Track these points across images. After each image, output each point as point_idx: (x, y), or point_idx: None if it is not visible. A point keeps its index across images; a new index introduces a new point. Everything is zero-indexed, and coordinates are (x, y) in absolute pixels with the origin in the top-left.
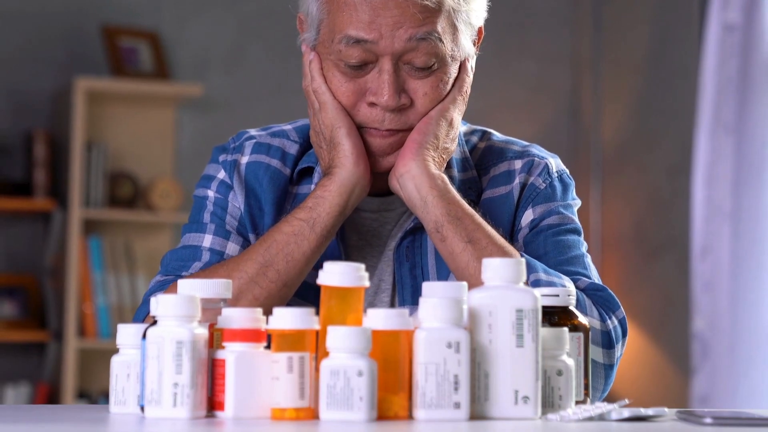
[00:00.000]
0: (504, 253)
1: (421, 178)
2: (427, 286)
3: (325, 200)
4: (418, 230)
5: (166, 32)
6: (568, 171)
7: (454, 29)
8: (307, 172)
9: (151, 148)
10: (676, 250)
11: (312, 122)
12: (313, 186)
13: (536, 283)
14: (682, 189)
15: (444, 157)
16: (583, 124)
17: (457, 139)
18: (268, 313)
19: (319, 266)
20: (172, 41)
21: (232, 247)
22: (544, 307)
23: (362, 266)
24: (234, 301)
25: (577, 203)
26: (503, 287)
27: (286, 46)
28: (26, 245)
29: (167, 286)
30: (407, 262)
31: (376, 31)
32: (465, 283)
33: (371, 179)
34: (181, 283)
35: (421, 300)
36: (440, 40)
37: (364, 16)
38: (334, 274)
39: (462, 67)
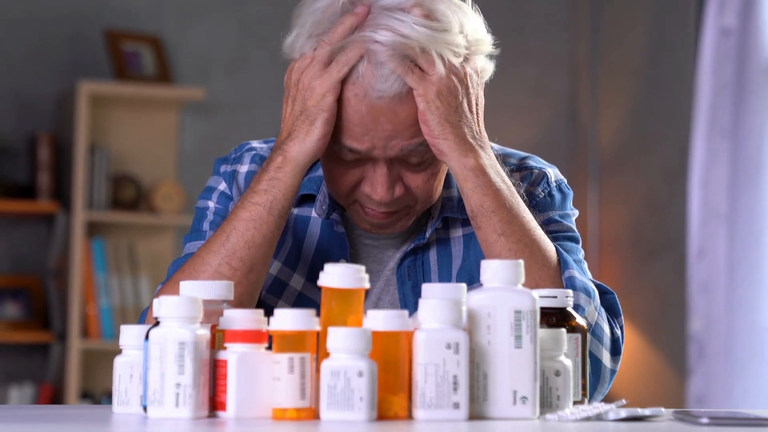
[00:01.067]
0: (537, 247)
1: (456, 167)
2: (426, 288)
3: (281, 182)
4: (419, 250)
5: (169, 36)
6: (566, 181)
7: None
8: (309, 198)
9: (154, 151)
10: (672, 252)
11: (295, 68)
12: (313, 213)
13: (571, 281)
14: (678, 192)
15: (478, 116)
16: (581, 127)
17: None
18: (239, 300)
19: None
20: (175, 45)
21: None
22: (542, 309)
23: (362, 268)
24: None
25: (575, 213)
26: (502, 289)
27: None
28: (30, 247)
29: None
30: (409, 280)
31: (369, 142)
32: (464, 285)
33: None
34: (183, 284)
35: (421, 301)
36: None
37: (357, 130)
38: (334, 276)
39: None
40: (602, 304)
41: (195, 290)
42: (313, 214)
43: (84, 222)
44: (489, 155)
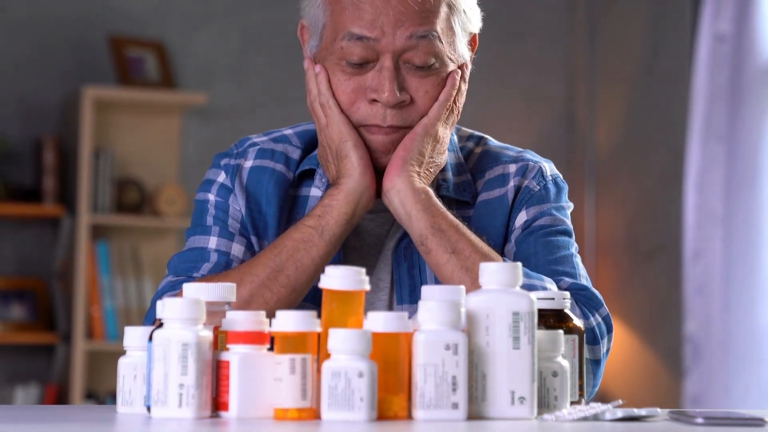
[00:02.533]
0: (485, 260)
1: (406, 193)
2: (426, 290)
3: (333, 209)
4: None
5: (172, 42)
6: (561, 175)
7: (451, 31)
8: (308, 174)
9: (157, 155)
10: (668, 255)
11: (319, 137)
12: (313, 188)
13: None
14: (674, 195)
15: (431, 170)
16: (578, 132)
17: (445, 153)
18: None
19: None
20: (178, 51)
21: (236, 248)
22: (540, 310)
23: (363, 270)
24: (245, 305)
25: (570, 206)
26: (500, 291)
27: (289, 55)
28: (36, 250)
29: (179, 287)
30: (405, 262)
31: (378, 29)
32: (463, 287)
33: (376, 192)
34: (186, 286)
35: (420, 303)
36: (439, 39)
37: (366, 15)
38: (335, 278)
39: (450, 77)
40: (579, 300)
41: (198, 292)
42: (313, 192)
43: (88, 225)
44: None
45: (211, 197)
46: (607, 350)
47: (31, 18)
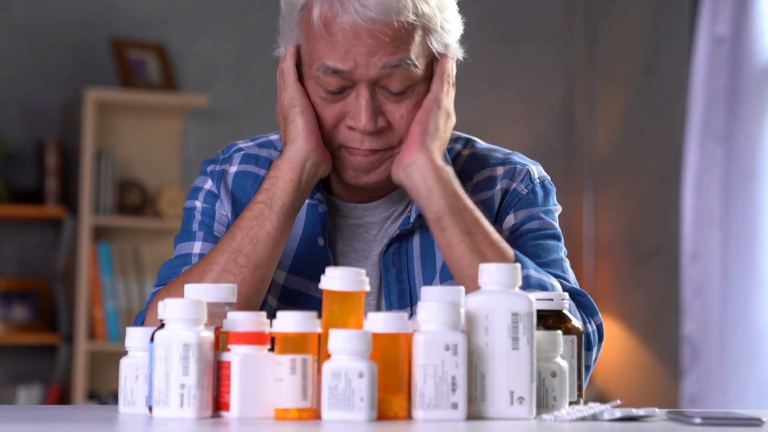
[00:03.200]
0: (498, 249)
1: (428, 169)
2: (425, 291)
3: (279, 179)
4: (404, 237)
5: (173, 45)
6: (549, 178)
7: (428, 51)
8: None
9: (159, 157)
10: (666, 256)
11: (276, 105)
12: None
13: (526, 280)
14: (672, 196)
15: (443, 145)
16: (577, 133)
17: (452, 128)
18: (246, 299)
19: (303, 273)
20: (179, 53)
21: None
22: (539, 311)
23: (363, 271)
24: None
25: (558, 209)
26: (499, 291)
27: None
28: (38, 251)
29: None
30: (393, 267)
31: (351, 60)
32: (462, 288)
33: (326, 155)
34: (187, 287)
35: (420, 304)
36: (414, 65)
37: (339, 47)
38: (335, 279)
39: (444, 60)
40: (578, 305)
41: (199, 293)
42: None
43: (90, 226)
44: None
45: (198, 204)
46: (596, 358)
47: (34, 21)
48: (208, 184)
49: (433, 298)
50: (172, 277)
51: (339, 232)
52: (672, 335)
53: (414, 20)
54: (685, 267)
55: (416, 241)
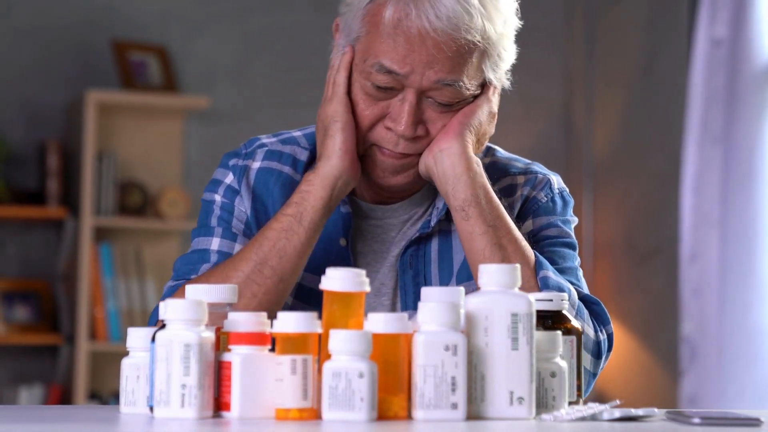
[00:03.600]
0: (519, 247)
1: (460, 157)
2: (425, 291)
3: (310, 194)
4: (422, 240)
5: (174, 46)
6: (568, 189)
7: (480, 73)
8: None
9: (160, 158)
10: (665, 257)
11: (319, 110)
12: None
13: (545, 281)
14: (671, 197)
15: (481, 143)
16: (576, 135)
17: (492, 130)
18: (267, 308)
19: (322, 271)
20: (180, 55)
21: (239, 249)
22: (539, 311)
23: (363, 272)
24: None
25: (575, 221)
26: (499, 292)
27: (290, 59)
28: (40, 252)
29: (176, 290)
30: (411, 269)
31: (409, 65)
32: (462, 288)
33: (358, 173)
34: (188, 288)
35: (420, 304)
36: (465, 87)
37: (400, 50)
38: (336, 280)
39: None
40: (590, 314)
41: (200, 294)
42: None
43: (92, 227)
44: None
45: (218, 198)
46: (603, 367)
47: (36, 23)
48: (229, 179)
49: (432, 299)
50: (189, 272)
51: (358, 232)
52: (671, 335)
53: (478, 41)
54: (684, 267)
55: (434, 244)
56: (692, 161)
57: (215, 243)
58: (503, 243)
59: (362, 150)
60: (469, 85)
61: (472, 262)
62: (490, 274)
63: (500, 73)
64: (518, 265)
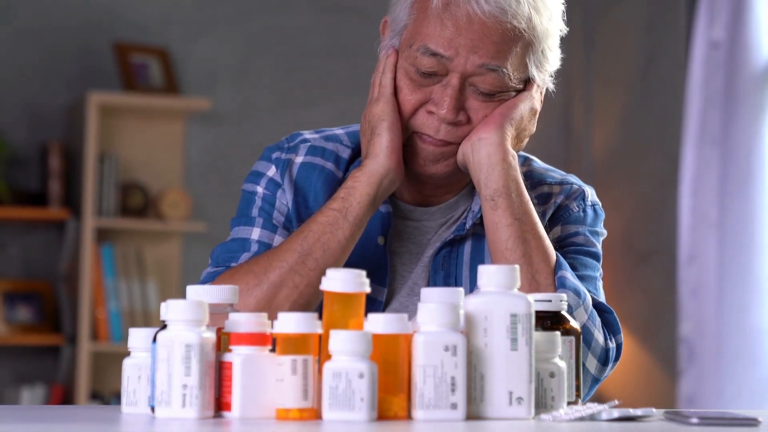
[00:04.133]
0: (542, 244)
1: (498, 148)
2: (425, 292)
3: (356, 190)
4: (456, 242)
5: (176, 49)
6: (600, 204)
7: (524, 67)
8: None
9: (161, 159)
10: (663, 257)
11: (365, 111)
12: None
13: (561, 281)
14: (669, 199)
15: (520, 138)
16: (574, 137)
17: (534, 128)
18: (307, 300)
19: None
20: (181, 57)
21: (279, 240)
22: (538, 312)
23: (363, 273)
24: (276, 289)
25: (604, 234)
26: (498, 293)
27: (290, 61)
28: (42, 253)
29: (217, 276)
30: (442, 270)
31: (454, 48)
32: (461, 289)
33: (403, 173)
34: (189, 289)
35: (420, 305)
36: (509, 76)
37: (446, 32)
38: (336, 281)
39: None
40: (602, 321)
41: (201, 294)
42: None
43: (94, 228)
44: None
45: (260, 189)
46: (608, 374)
47: (38, 26)
48: (271, 171)
49: (432, 300)
50: (229, 260)
51: (396, 232)
52: (669, 336)
53: (524, 29)
54: (682, 268)
55: (467, 247)
56: (690, 162)
57: (256, 233)
58: (527, 237)
59: (404, 140)
60: (513, 76)
61: (495, 251)
62: (489, 274)
63: (544, 72)
64: (517, 266)
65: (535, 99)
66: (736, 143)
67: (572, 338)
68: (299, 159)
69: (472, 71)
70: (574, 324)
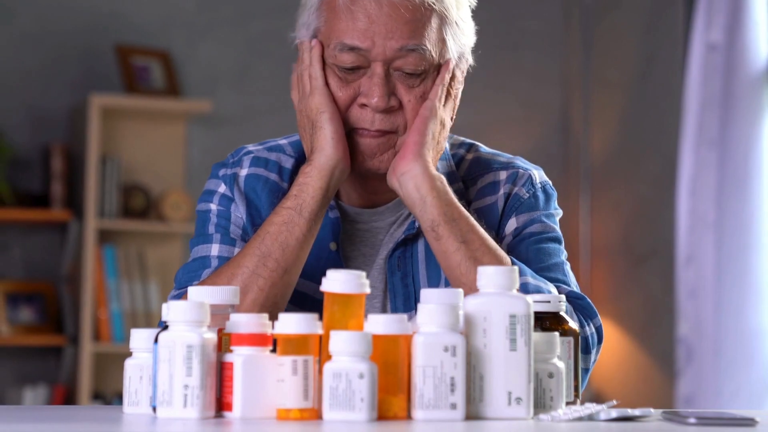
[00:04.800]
0: (495, 256)
1: (422, 178)
2: (424, 293)
3: (308, 185)
4: (409, 241)
5: (177, 51)
6: (550, 182)
7: (442, 42)
8: None
9: (163, 161)
10: (661, 259)
11: (299, 107)
12: None
13: (524, 287)
14: (667, 200)
15: (437, 155)
16: (573, 139)
17: (447, 138)
18: (274, 301)
19: (314, 276)
20: (183, 60)
21: None
22: (536, 313)
23: (363, 274)
24: (242, 295)
25: (559, 213)
26: (497, 294)
27: (290, 64)
28: (44, 254)
29: (180, 298)
30: (399, 271)
31: (369, 39)
32: (461, 290)
33: (349, 161)
34: (191, 290)
35: (420, 306)
36: (429, 52)
37: (359, 24)
38: (336, 282)
39: (444, 67)
40: (576, 308)
41: (203, 296)
42: None
43: (96, 230)
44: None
45: (213, 206)
46: (595, 360)
47: (41, 29)
48: (222, 188)
49: (432, 301)
50: (191, 280)
51: (347, 236)
52: (667, 337)
53: (433, 3)
54: (680, 270)
55: (421, 245)
56: (688, 164)
57: (215, 249)
58: (477, 256)
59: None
60: (433, 51)
61: (451, 279)
62: (488, 276)
63: (462, 45)
64: (516, 267)
65: (438, 108)
66: (734, 145)
67: (570, 339)
68: (244, 171)
69: (393, 56)
70: (573, 325)
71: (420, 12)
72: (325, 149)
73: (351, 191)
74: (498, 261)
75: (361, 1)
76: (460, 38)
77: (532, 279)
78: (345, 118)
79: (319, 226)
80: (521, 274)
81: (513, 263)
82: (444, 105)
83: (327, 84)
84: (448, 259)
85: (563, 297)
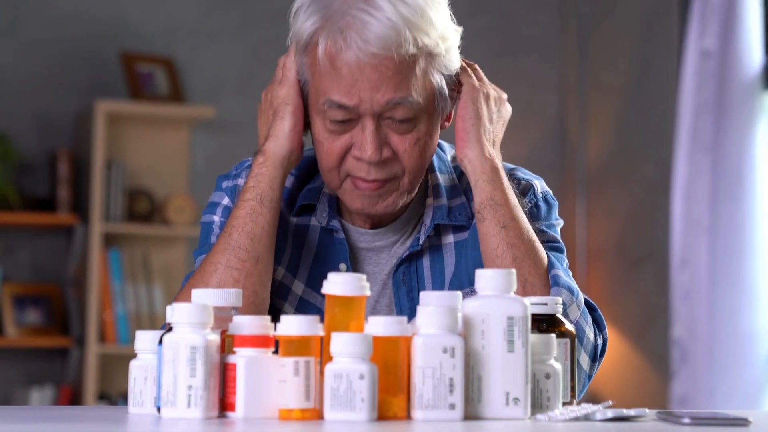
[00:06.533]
0: (531, 246)
1: (476, 162)
2: (424, 295)
3: (264, 176)
4: (413, 257)
5: (181, 58)
6: (552, 192)
7: (431, 83)
8: (308, 209)
9: (167, 166)
10: (656, 262)
11: (266, 90)
12: (312, 219)
13: (555, 279)
14: (661, 204)
15: (493, 132)
16: (570, 144)
17: (506, 115)
18: (252, 291)
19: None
20: (187, 67)
21: None
22: (534, 315)
23: (364, 276)
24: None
25: (560, 223)
26: (495, 296)
27: None
28: (50, 257)
29: None
30: (404, 286)
31: (356, 96)
32: (459, 293)
33: (301, 148)
34: (194, 292)
35: (419, 308)
36: (416, 102)
37: (344, 82)
38: (337, 284)
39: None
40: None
41: (206, 298)
42: (312, 222)
43: (101, 233)
44: (499, 156)
45: (216, 218)
46: (597, 370)
47: (47, 36)
48: (225, 200)
49: (431, 303)
50: None
51: (352, 256)
52: (661, 338)
53: (415, 53)
54: (674, 272)
55: (426, 260)
56: (682, 169)
57: None
58: (515, 243)
59: (340, 182)
60: (421, 98)
61: (486, 260)
62: (486, 278)
63: (455, 66)
64: (514, 270)
65: (475, 91)
66: (728, 150)
67: (567, 340)
68: (242, 181)
69: (381, 109)
70: (569, 326)
71: (404, 64)
72: (280, 139)
73: (355, 216)
74: (534, 251)
75: (343, 60)
76: (452, 64)
77: (564, 274)
78: (340, 166)
79: (278, 212)
80: (554, 267)
81: (548, 258)
82: (482, 86)
83: (315, 133)
84: (488, 241)
85: (560, 299)
